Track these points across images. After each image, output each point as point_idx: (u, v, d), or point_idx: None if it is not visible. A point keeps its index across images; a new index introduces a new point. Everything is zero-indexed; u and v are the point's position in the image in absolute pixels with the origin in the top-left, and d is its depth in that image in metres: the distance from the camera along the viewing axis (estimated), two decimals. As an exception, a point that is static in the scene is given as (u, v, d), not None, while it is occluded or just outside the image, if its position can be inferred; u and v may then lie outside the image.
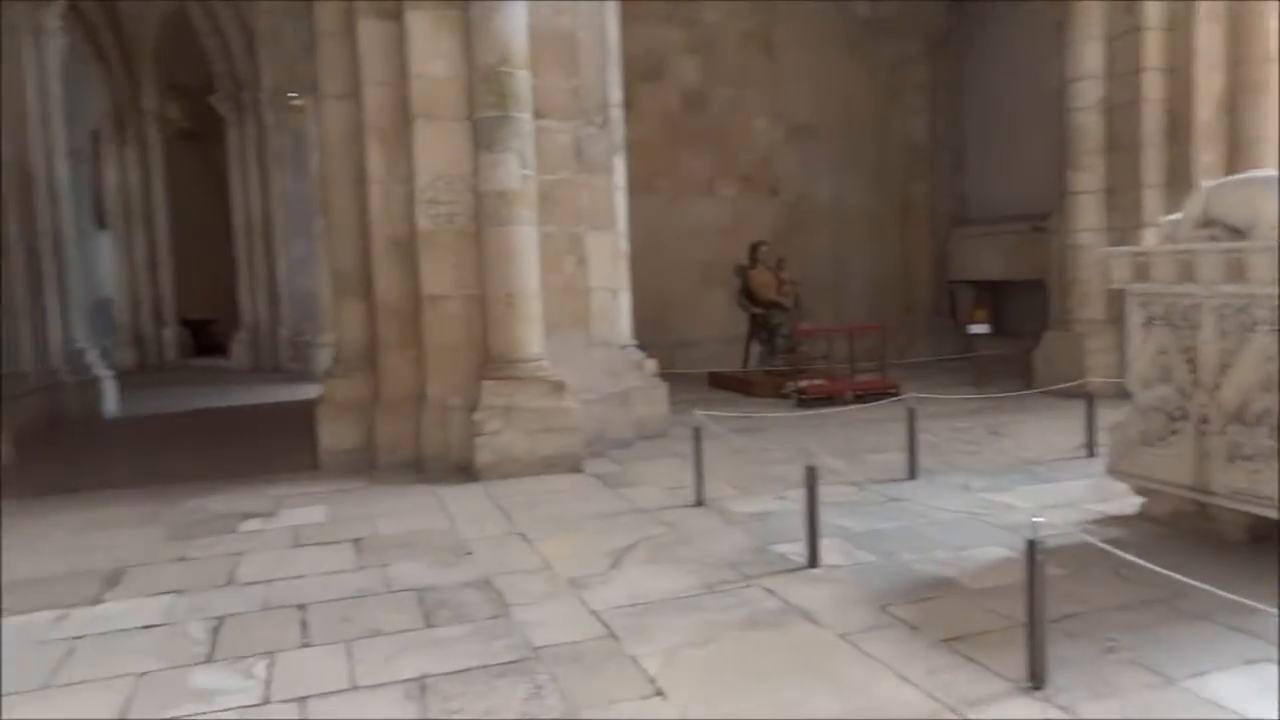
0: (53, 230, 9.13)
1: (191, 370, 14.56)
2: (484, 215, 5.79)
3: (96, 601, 3.68)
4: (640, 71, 10.35)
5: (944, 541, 4.09)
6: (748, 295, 10.04)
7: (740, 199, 11.80)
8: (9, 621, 3.49)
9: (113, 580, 3.93)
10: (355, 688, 2.81)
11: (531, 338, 5.89)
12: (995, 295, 11.54)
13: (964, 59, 12.21)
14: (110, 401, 9.75)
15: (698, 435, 4.98)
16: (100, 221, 16.08)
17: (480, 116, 5.73)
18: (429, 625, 3.29)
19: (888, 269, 12.46)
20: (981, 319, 9.99)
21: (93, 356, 9.80)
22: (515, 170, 5.77)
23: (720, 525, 4.50)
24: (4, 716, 2.71)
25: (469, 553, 4.16)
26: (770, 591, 3.50)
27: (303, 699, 2.74)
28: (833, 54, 11.97)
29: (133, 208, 15.41)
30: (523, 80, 5.79)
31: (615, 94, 6.72)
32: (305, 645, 3.15)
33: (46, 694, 2.86)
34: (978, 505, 4.71)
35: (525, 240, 5.85)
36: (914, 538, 4.17)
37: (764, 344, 9.90)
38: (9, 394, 7.33)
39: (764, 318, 9.90)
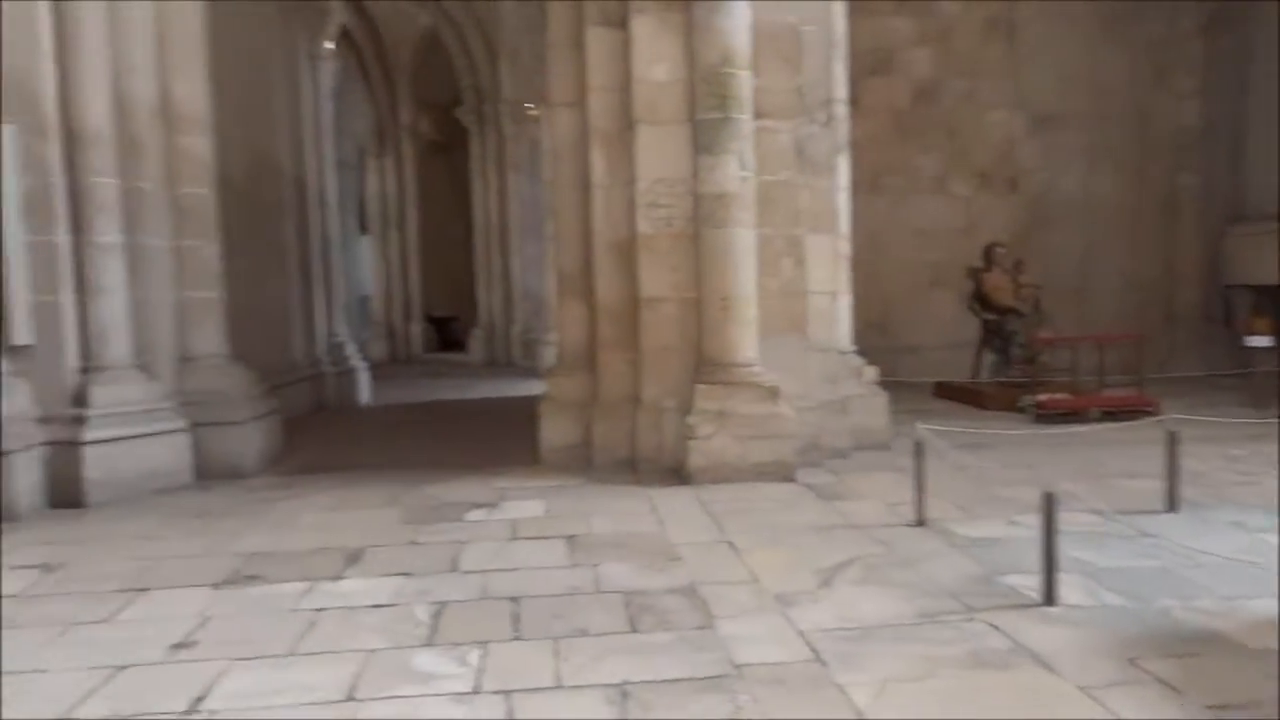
0: (322, 235, 10.20)
1: (434, 363, 15.75)
2: (701, 218, 5.78)
3: (338, 578, 4.01)
4: (867, 66, 9.98)
5: (1211, 588, 3.57)
6: (981, 300, 9.39)
7: (974, 196, 11.07)
8: (268, 589, 3.88)
9: (354, 558, 4.27)
10: (559, 686, 2.85)
11: (746, 342, 5.80)
12: (1278, 303, 10.06)
13: (1248, 33, 10.73)
14: (364, 390, 10.74)
15: (920, 449, 4.68)
16: (362, 227, 17.83)
17: (700, 119, 5.72)
18: (634, 630, 3.29)
19: (1146, 271, 11.22)
20: (1262, 329, 8.73)
21: (351, 349, 10.84)
22: (734, 172, 5.70)
23: (942, 549, 4.19)
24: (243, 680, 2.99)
25: (677, 558, 4.14)
26: (997, 628, 3.20)
27: (509, 692, 2.82)
28: (1083, 36, 10.94)
29: (389, 214, 16.94)
30: (743, 81, 5.71)
31: (840, 90, 6.48)
32: (516, 638, 3.25)
33: (290, 660, 3.14)
34: (1254, 548, 4.09)
35: (742, 243, 5.77)
36: (1173, 581, 3.68)
37: (997, 353, 9.22)
38: (282, 382, 8.22)
39: (998, 324, 9.22)
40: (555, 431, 6.29)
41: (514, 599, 3.65)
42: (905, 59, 10.87)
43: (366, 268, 17.80)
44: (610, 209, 6.03)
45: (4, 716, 2.78)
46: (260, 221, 8.43)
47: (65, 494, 5.42)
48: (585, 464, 6.13)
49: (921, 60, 10.90)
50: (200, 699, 2.85)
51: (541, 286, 13.93)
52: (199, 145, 6.27)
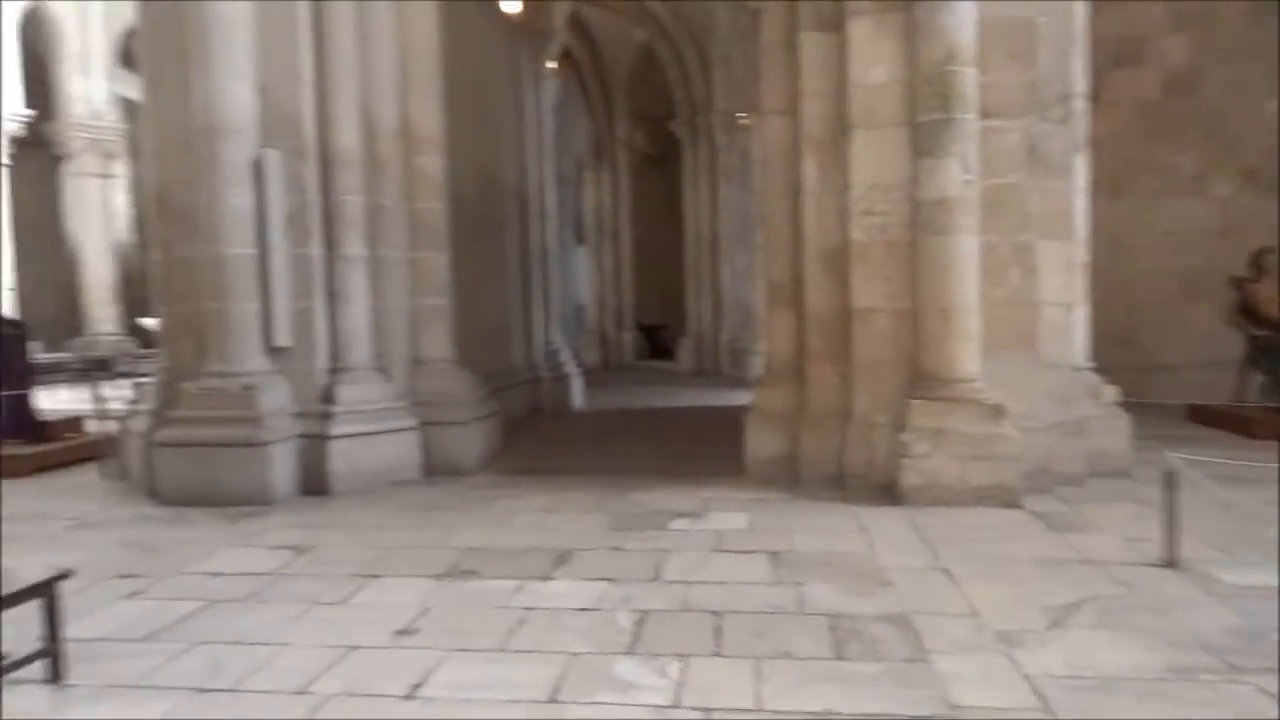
0: (541, 246, 10.68)
1: (643, 371, 16.08)
2: (920, 224, 5.49)
3: (547, 578, 4.14)
4: (1111, 56, 9.10)
5: None
6: (1247, 313, 8.31)
7: (1237, 197, 9.80)
8: (483, 584, 4.06)
9: (562, 560, 4.40)
10: (760, 709, 2.77)
11: (967, 356, 5.44)
12: None
13: None
14: (577, 396, 11.12)
15: (1171, 479, 4.17)
16: (579, 238, 18.55)
17: (920, 121, 5.44)
18: (839, 657, 3.15)
19: None
20: None
21: (566, 356, 11.27)
22: (956, 175, 5.37)
23: (1197, 595, 3.71)
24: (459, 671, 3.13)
25: (887, 583, 3.93)
26: (1270, 695, 2.77)
27: (708, 710, 2.77)
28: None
29: (604, 225, 17.50)
30: (968, 79, 5.37)
31: (1079, 84, 5.94)
32: (716, 654, 3.20)
33: (500, 656, 3.25)
34: None
35: (964, 250, 5.42)
36: None
37: (1267, 373, 8.11)
38: (502, 385, 8.67)
39: (1267, 341, 8.12)
40: (761, 443, 6.20)
41: (715, 613, 3.60)
42: (1157, 47, 9.83)
43: (582, 277, 18.50)
44: (821, 217, 5.87)
45: (251, 686, 3.08)
46: (485, 233, 8.94)
47: (314, 482, 5.98)
48: (791, 477, 5.99)
49: (1177, 47, 9.81)
50: (418, 686, 3.02)
51: (750, 296, 13.87)
52: (433, 164, 6.74)
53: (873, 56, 5.58)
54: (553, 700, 2.89)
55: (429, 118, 6.71)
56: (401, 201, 6.58)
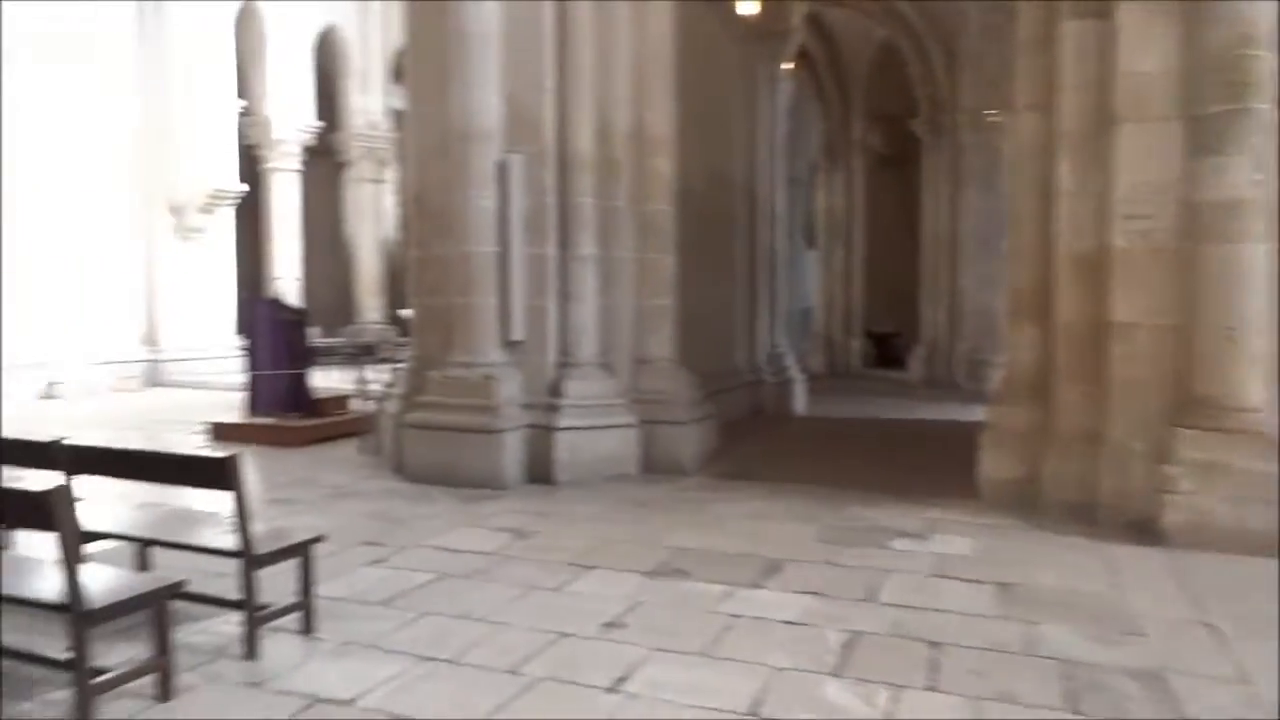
0: (769, 248, 10.59)
1: (870, 379, 15.52)
2: (1197, 230, 4.85)
3: (755, 586, 4.06)
4: None
5: None
6: None
7: None
8: (692, 586, 4.06)
9: (772, 570, 4.30)
10: (977, 755, 2.54)
11: (1252, 382, 4.75)
12: None
13: None
14: (799, 401, 10.92)
15: None
16: (808, 241, 18.24)
17: (1203, 113, 4.80)
18: (1074, 710, 2.83)
19: None
20: None
21: (790, 360, 11.10)
22: (1245, 175, 4.70)
23: None
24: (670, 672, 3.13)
25: (1138, 633, 3.50)
26: None
27: (920, 748, 2.58)
28: None
29: (835, 228, 17.09)
30: (1265, 64, 4.68)
31: None
32: (931, 688, 2.99)
33: (703, 661, 3.22)
34: None
35: (1253, 261, 4.74)
36: None
37: None
38: (722, 387, 8.67)
39: None
40: (997, 464, 5.75)
41: (933, 643, 3.36)
42: None
43: (810, 281, 18.16)
44: (1076, 220, 5.34)
45: (469, 660, 3.25)
46: (712, 234, 8.98)
47: (538, 471, 6.26)
48: (1029, 504, 5.50)
49: None
50: (622, 680, 3.05)
51: (991, 305, 12.97)
52: (663, 166, 6.86)
53: (1145, 42, 5.00)
54: (752, 713, 2.81)
55: (662, 121, 6.82)
56: (632, 203, 6.74)
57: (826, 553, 4.60)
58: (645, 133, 6.76)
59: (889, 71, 15.63)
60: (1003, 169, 11.47)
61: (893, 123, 16.08)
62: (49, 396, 11.40)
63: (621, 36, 6.58)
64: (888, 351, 17.12)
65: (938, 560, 4.48)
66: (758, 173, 10.31)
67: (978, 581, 4.12)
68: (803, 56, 13.72)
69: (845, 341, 17.13)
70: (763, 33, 10.08)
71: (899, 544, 4.78)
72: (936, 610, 3.74)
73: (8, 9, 11.10)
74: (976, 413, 8.37)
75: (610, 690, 2.98)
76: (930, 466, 7.04)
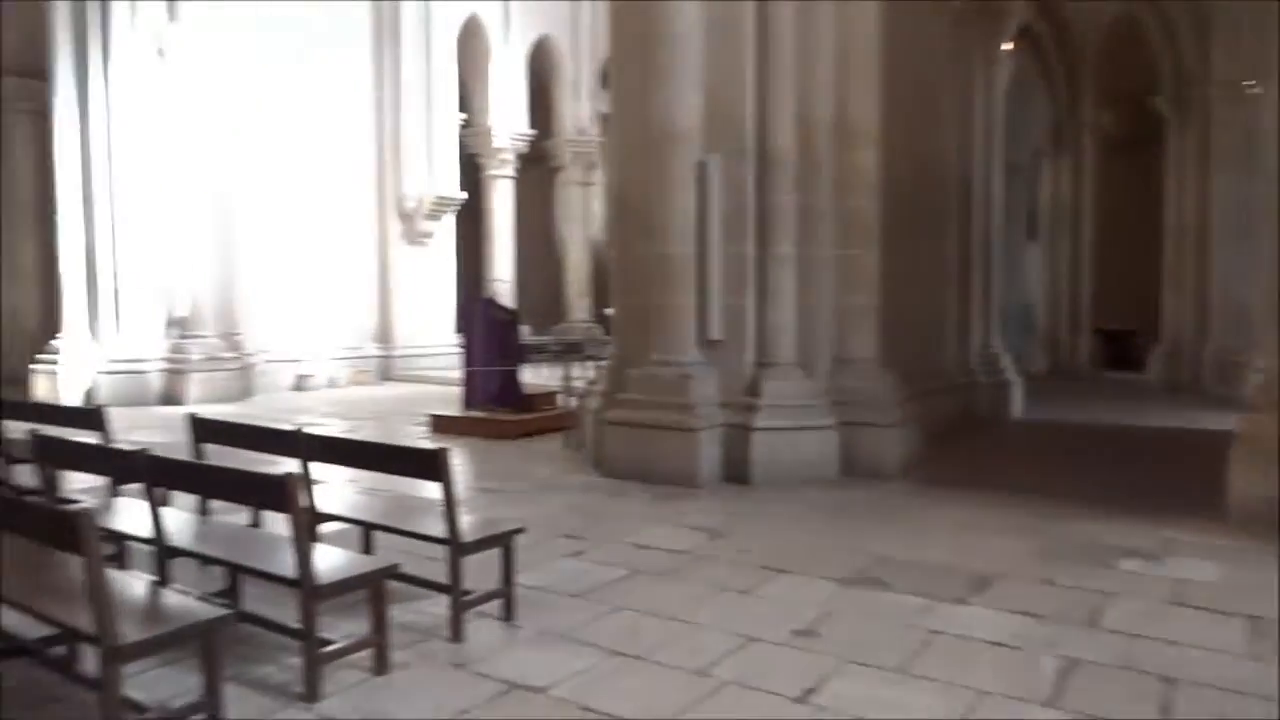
0: (985, 241, 9.96)
1: (1100, 381, 14.26)
2: None
3: (960, 601, 3.83)
4: None
5: None
6: None
7: None
8: (890, 597, 3.89)
9: (979, 585, 4.03)
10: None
11: None
12: None
13: None
14: (1016, 404, 10.20)
15: None
16: (1030, 232, 16.98)
17: None
18: (1341, 770, 2.45)
19: None
20: None
21: (1006, 360, 10.38)
22: None
23: None
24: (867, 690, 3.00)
25: None
26: None
27: (1145, 797, 2.32)
28: None
29: (1060, 217, 15.80)
30: None
31: None
32: (1162, 730, 2.69)
33: (899, 677, 3.07)
34: None
35: None
36: None
37: None
38: (929, 389, 8.24)
39: None
40: (1249, 480, 5.09)
41: (1166, 679, 3.02)
42: None
43: (1031, 275, 16.91)
44: (1357, 203, 4.62)
45: (657, 658, 3.27)
46: (919, 227, 8.54)
47: (734, 471, 6.23)
48: (1289, 527, 4.83)
49: None
50: (811, 691, 2.97)
51: (1246, 300, 11.49)
52: (866, 158, 6.61)
53: None
54: (952, 739, 2.65)
55: (865, 114, 6.58)
56: (833, 200, 6.55)
57: (1043, 570, 4.26)
58: (847, 127, 6.54)
59: (1124, 48, 14.24)
60: (1263, 147, 10.12)
61: (1128, 102, 14.66)
62: (298, 388, 12.72)
63: (824, 28, 6.42)
64: (1120, 351, 15.64)
65: (1175, 586, 4.03)
66: (972, 161, 9.70)
67: (1223, 613, 3.67)
68: (1026, 35, 12.80)
69: (1072, 340, 15.81)
70: (978, 11, 9.48)
71: (1128, 565, 4.35)
72: (1171, 642, 3.36)
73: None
74: (1225, 421, 7.48)
75: (798, 701, 2.91)
76: (1167, 480, 6.37)
